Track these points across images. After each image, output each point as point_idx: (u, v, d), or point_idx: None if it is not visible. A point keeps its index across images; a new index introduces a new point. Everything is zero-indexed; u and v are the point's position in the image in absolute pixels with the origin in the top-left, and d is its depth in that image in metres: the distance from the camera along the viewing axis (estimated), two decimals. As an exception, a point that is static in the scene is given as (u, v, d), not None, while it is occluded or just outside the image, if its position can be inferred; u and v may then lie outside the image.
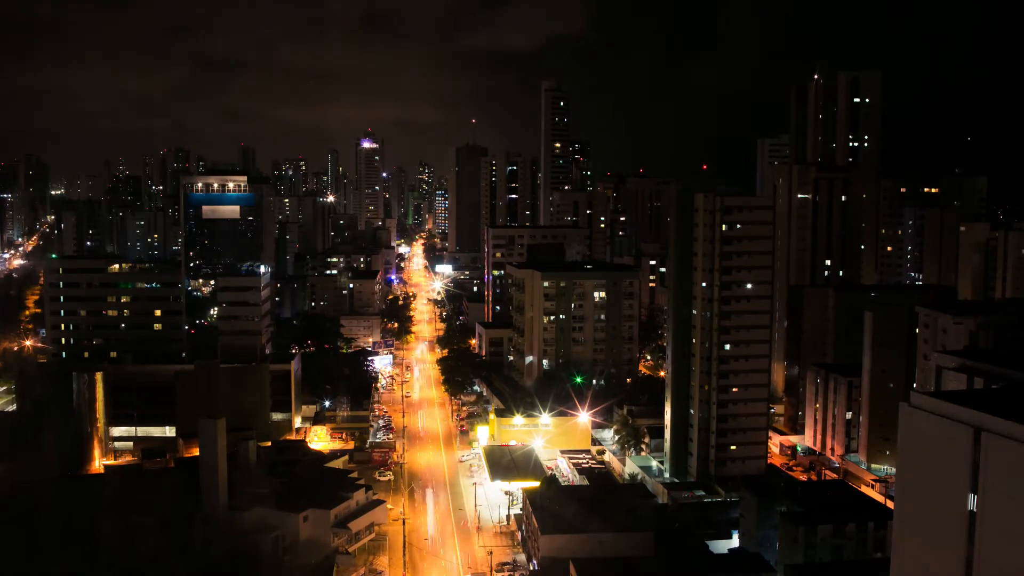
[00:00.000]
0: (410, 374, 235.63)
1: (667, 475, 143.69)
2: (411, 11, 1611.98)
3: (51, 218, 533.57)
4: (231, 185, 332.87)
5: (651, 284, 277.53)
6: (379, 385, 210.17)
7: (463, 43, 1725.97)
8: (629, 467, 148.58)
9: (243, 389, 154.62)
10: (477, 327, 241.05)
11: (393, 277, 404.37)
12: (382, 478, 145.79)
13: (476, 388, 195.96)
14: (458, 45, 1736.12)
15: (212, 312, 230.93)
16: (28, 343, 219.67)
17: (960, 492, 62.58)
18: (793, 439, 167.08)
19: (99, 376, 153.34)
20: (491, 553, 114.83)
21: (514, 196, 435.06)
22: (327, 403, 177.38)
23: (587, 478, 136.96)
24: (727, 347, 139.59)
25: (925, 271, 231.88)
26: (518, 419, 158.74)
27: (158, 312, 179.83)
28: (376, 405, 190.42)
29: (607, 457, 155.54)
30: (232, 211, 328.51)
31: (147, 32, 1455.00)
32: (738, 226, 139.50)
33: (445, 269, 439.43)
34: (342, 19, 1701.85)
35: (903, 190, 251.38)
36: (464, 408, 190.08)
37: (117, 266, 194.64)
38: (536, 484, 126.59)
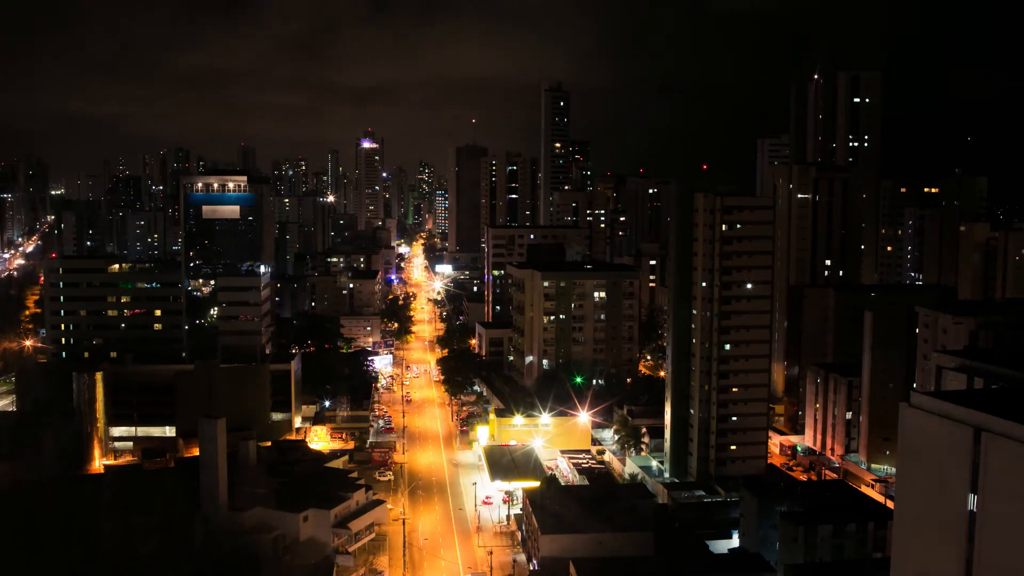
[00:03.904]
0: (410, 374, 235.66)
1: (667, 475, 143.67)
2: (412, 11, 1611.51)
3: (51, 218, 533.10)
4: (231, 185, 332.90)
5: (651, 284, 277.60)
6: (379, 385, 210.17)
7: (464, 42, 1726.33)
8: (629, 467, 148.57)
9: (243, 389, 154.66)
10: (477, 327, 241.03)
11: (393, 277, 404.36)
12: (382, 478, 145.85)
13: (476, 388, 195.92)
14: (459, 44, 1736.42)
15: (212, 312, 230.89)
16: (28, 343, 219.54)
17: (960, 492, 62.59)
18: (793, 439, 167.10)
19: (99, 376, 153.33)
20: (491, 553, 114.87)
21: (514, 196, 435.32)
22: (327, 403, 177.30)
23: (587, 478, 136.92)
24: (727, 347, 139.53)
25: (925, 271, 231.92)
26: (518, 419, 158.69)
27: (158, 312, 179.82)
28: (376, 405, 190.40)
29: (607, 457, 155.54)
30: (232, 211, 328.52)
31: (146, 31, 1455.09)
32: (738, 226, 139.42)
33: (445, 269, 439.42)
34: (343, 18, 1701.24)
35: (903, 190, 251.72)
36: (464, 408, 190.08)
37: (117, 266, 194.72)
38: (536, 484, 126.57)
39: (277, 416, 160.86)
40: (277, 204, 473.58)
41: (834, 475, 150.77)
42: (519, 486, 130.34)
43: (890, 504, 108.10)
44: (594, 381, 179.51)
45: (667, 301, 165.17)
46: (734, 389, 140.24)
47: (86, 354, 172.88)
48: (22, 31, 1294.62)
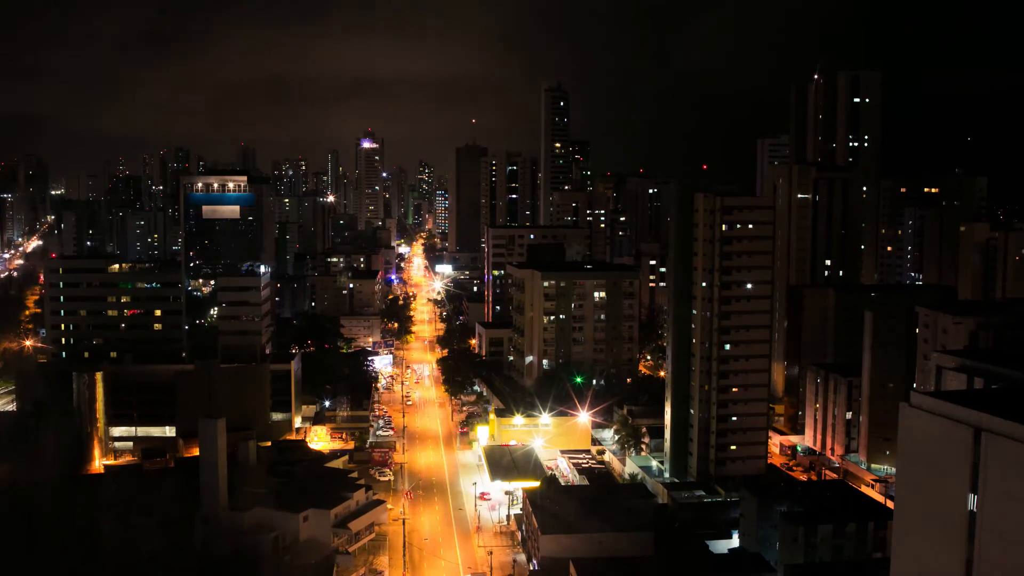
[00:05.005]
0: (410, 373, 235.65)
1: (667, 475, 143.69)
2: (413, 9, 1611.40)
3: (51, 218, 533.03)
4: (231, 185, 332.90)
5: (651, 284, 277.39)
6: (379, 385, 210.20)
7: (464, 42, 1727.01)
8: (629, 467, 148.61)
9: (243, 389, 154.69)
10: (477, 327, 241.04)
11: (393, 277, 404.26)
12: (382, 478, 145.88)
13: (476, 388, 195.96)
14: (459, 44, 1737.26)
15: (212, 312, 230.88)
16: (28, 343, 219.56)
17: (960, 492, 62.65)
18: (793, 439, 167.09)
19: (99, 376, 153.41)
20: (491, 553, 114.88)
21: (514, 196, 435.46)
22: (327, 403, 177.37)
23: (587, 478, 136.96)
24: (727, 347, 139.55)
25: (925, 271, 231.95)
26: (518, 419, 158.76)
27: (158, 312, 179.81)
28: (376, 405, 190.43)
29: (607, 457, 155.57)
30: (232, 211, 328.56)
31: (146, 31, 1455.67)
32: (738, 226, 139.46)
33: (445, 269, 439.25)
34: (341, 16, 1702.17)
35: (903, 190, 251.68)
36: (464, 408, 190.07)
37: (117, 266, 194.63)
38: (536, 484, 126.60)
39: (277, 416, 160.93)
40: (277, 204, 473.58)
41: (834, 475, 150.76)
42: (519, 486, 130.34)
43: (890, 504, 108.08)
44: (594, 381, 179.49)
45: (667, 301, 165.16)
46: (734, 389, 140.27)
47: (86, 354, 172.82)
48: (19, 30, 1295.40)
